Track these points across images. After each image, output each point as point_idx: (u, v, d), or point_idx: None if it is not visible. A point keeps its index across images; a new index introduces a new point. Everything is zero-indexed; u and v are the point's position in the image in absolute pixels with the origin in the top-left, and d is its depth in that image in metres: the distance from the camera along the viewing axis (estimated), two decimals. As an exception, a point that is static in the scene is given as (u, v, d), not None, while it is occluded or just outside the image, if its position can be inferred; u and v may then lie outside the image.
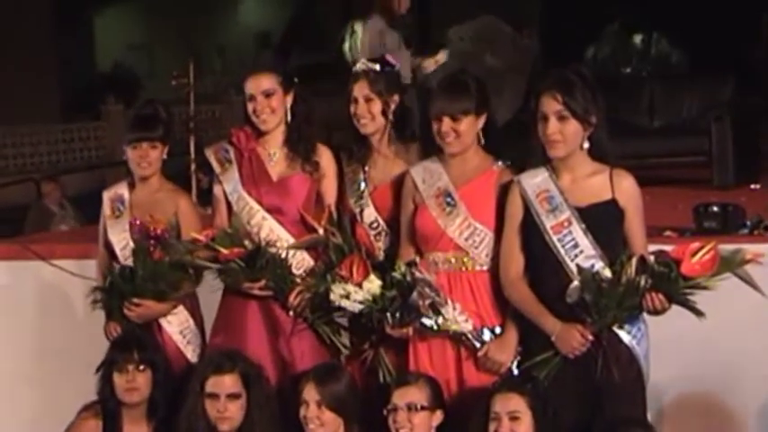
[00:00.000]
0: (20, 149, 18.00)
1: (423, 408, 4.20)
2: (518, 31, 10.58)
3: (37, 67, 18.76)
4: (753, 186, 7.81)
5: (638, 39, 10.46)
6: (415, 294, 4.19)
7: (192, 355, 4.82)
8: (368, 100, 4.55)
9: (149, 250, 4.69)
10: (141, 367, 4.53)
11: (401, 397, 4.22)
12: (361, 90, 4.56)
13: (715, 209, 5.50)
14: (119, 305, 4.74)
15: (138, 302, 4.71)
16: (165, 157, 4.88)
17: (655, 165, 8.03)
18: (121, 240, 4.82)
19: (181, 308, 4.80)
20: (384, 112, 4.54)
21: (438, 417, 4.24)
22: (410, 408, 4.20)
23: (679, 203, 6.72)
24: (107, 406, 4.58)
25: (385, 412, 4.24)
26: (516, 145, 4.56)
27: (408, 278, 4.24)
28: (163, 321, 4.79)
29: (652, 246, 4.22)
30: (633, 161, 5.29)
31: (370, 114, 4.55)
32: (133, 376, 4.51)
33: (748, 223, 5.49)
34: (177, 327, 4.80)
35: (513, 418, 4.00)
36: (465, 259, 4.33)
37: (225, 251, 4.52)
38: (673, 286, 3.97)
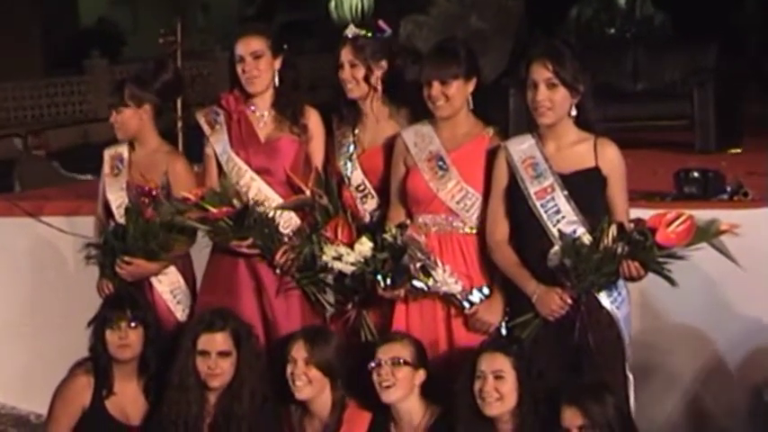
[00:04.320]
0: (3, 104, 17.92)
1: (406, 363, 4.26)
2: (503, -8, 10.59)
3: (21, 21, 18.63)
4: (734, 151, 7.81)
5: (621, 0, 10.43)
6: (406, 257, 4.26)
7: (181, 314, 4.86)
8: (352, 65, 4.58)
9: (142, 210, 4.73)
10: (133, 324, 4.58)
11: (385, 352, 4.29)
12: (346, 55, 4.59)
13: (696, 174, 5.51)
14: (111, 262, 4.78)
15: (129, 260, 4.75)
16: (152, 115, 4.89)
17: (637, 128, 8.01)
18: (118, 199, 4.86)
19: (172, 268, 4.84)
20: (366, 78, 4.57)
21: (421, 376, 4.29)
22: (394, 362, 4.26)
23: (660, 167, 6.77)
24: (99, 362, 4.63)
25: (369, 368, 4.30)
26: (497, 107, 4.60)
27: (399, 240, 4.30)
28: (153, 280, 4.82)
29: (632, 211, 4.27)
30: (616, 124, 5.31)
31: (354, 80, 4.58)
32: (125, 333, 4.57)
33: (728, 189, 5.49)
34: (168, 286, 4.84)
35: (498, 377, 4.09)
36: (455, 222, 4.39)
37: (214, 210, 4.56)
38: (648, 255, 4.04)
